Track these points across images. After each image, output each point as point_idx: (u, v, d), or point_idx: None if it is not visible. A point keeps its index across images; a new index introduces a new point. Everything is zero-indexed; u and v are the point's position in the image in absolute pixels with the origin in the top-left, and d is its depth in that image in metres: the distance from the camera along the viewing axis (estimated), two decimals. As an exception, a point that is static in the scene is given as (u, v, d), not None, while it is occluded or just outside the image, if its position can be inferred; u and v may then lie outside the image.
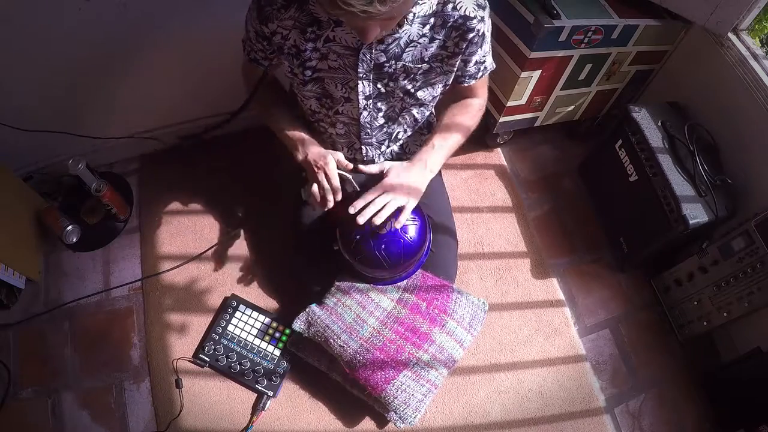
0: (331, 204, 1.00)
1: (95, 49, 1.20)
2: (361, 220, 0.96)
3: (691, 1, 1.29)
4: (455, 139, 1.07)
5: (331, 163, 0.99)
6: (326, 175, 0.99)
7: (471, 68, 1.00)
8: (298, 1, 0.86)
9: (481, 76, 1.04)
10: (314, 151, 1.02)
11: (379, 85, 0.97)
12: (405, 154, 1.23)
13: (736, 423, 1.26)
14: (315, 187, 1.01)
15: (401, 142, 1.18)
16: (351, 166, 1.02)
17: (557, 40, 1.27)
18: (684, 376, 1.39)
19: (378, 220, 0.96)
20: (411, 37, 0.90)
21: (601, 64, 1.42)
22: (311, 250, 1.23)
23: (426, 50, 0.93)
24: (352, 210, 0.96)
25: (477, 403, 1.28)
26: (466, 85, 1.04)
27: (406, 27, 0.89)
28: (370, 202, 0.97)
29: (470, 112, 1.09)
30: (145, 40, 1.24)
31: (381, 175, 1.01)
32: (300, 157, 1.04)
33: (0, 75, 1.17)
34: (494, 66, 1.04)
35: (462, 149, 1.65)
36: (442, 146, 1.05)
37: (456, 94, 1.09)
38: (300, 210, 1.22)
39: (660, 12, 1.35)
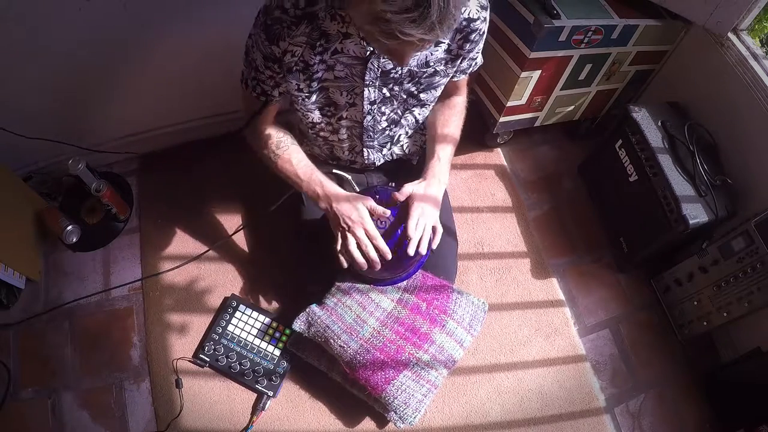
0: (378, 265, 0.97)
1: (95, 48, 1.20)
2: (411, 251, 0.97)
3: (691, 1, 1.29)
4: (453, 145, 1.09)
5: (366, 216, 0.95)
6: (366, 232, 0.95)
7: (464, 64, 1.00)
8: (308, 17, 0.83)
9: (471, 71, 1.04)
10: (340, 198, 0.98)
11: (384, 90, 0.96)
12: (405, 155, 1.23)
13: (736, 423, 1.26)
14: (353, 246, 0.96)
15: (402, 143, 1.18)
16: (388, 212, 0.98)
17: (557, 40, 1.27)
18: (684, 376, 1.39)
19: (423, 250, 1.00)
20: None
21: (601, 64, 1.42)
22: (311, 250, 1.23)
23: (431, 54, 0.93)
24: (412, 247, 0.97)
25: (477, 403, 1.28)
26: (455, 80, 1.04)
27: None
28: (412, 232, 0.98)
29: (459, 114, 1.11)
30: (145, 40, 1.24)
31: (407, 200, 1.01)
32: (323, 205, 0.99)
33: (0, 75, 1.17)
34: (483, 61, 1.05)
35: (462, 149, 1.68)
36: (446, 155, 1.07)
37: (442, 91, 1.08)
38: (300, 210, 1.22)
39: (660, 12, 1.35)
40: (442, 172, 1.05)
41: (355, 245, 0.97)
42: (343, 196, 0.99)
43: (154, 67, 1.32)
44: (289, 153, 1.02)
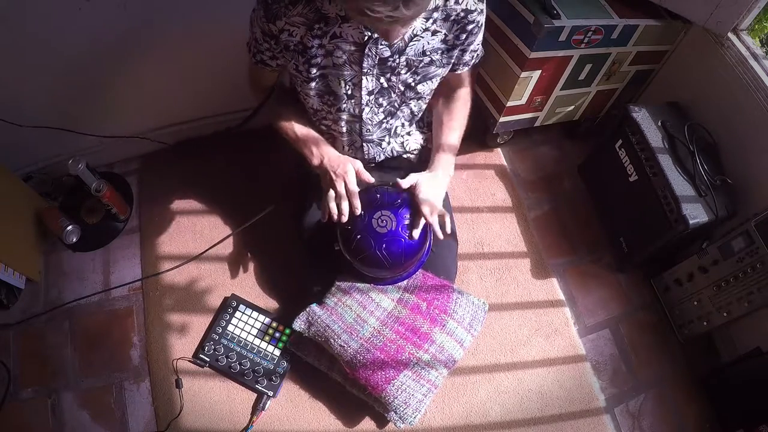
0: (345, 218, 1.00)
1: (95, 48, 1.20)
2: (416, 234, 1.03)
3: (691, 1, 1.29)
4: (459, 136, 1.11)
5: (351, 172, 0.99)
6: (345, 184, 0.99)
7: (467, 56, 1.03)
8: None
9: (473, 63, 1.07)
10: (332, 156, 1.02)
11: (381, 80, 0.98)
12: (405, 152, 1.23)
13: (735, 423, 1.26)
14: (331, 197, 1.00)
15: (401, 139, 1.18)
16: (372, 179, 1.02)
17: (557, 40, 1.27)
18: (684, 376, 1.39)
19: (440, 235, 1.05)
20: (415, 32, 0.92)
21: (601, 64, 1.42)
22: (312, 249, 1.23)
23: (428, 44, 0.94)
24: (416, 234, 1.03)
25: (477, 403, 1.28)
26: (458, 72, 1.06)
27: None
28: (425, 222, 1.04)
29: (464, 106, 1.13)
30: (144, 40, 1.24)
31: (411, 189, 1.05)
32: (316, 161, 1.03)
33: (0, 74, 1.17)
34: (483, 51, 1.07)
35: (462, 149, 1.66)
36: (451, 147, 1.09)
37: (446, 83, 1.10)
38: (301, 210, 1.23)
39: (660, 12, 1.35)
40: (447, 164, 1.09)
41: (333, 197, 1.01)
42: (335, 153, 1.03)
43: (154, 67, 1.32)
44: (290, 113, 1.07)
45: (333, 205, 1.01)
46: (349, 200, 1.00)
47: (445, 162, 1.08)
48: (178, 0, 1.18)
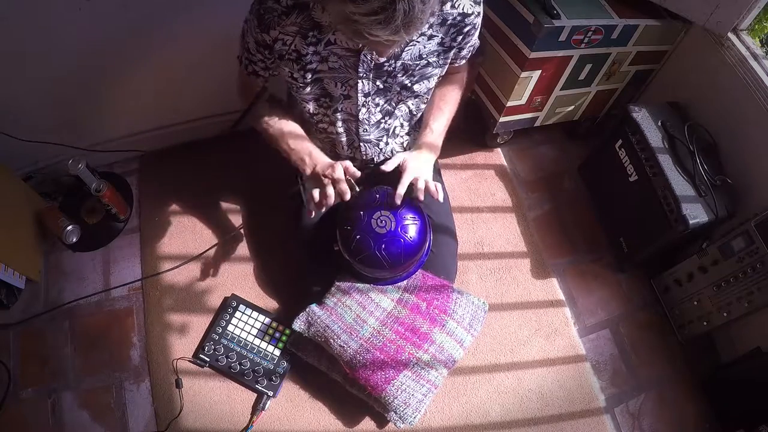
0: (331, 200, 0.99)
1: (95, 49, 1.20)
2: (421, 196, 1.01)
3: (691, 1, 1.29)
4: (448, 117, 1.12)
5: (338, 170, 0.99)
6: (333, 181, 0.99)
7: (464, 52, 1.04)
8: (299, 7, 0.86)
9: (470, 55, 1.07)
10: (323, 163, 1.02)
11: (378, 83, 0.98)
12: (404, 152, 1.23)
13: (735, 423, 1.26)
14: (316, 192, 1.00)
15: (401, 140, 1.18)
16: (358, 173, 1.01)
17: (557, 40, 1.27)
18: (684, 376, 1.39)
19: (421, 196, 1.02)
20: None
21: (601, 64, 1.42)
22: (312, 250, 1.23)
23: (424, 47, 0.94)
24: (398, 200, 1.01)
25: (477, 403, 1.28)
26: (456, 65, 1.07)
27: None
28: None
29: (458, 90, 1.14)
30: (145, 41, 1.24)
31: (399, 168, 1.04)
32: (309, 171, 1.03)
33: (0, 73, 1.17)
34: (479, 42, 1.06)
35: (462, 149, 1.68)
36: (438, 127, 1.10)
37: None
38: (301, 210, 1.22)
39: (660, 12, 1.35)
40: (434, 143, 1.09)
41: (319, 193, 1.00)
42: (327, 159, 1.03)
43: (154, 67, 1.32)
44: (280, 125, 1.06)
45: (316, 197, 1.00)
46: (341, 193, 0.98)
47: (431, 142, 1.08)
48: None
